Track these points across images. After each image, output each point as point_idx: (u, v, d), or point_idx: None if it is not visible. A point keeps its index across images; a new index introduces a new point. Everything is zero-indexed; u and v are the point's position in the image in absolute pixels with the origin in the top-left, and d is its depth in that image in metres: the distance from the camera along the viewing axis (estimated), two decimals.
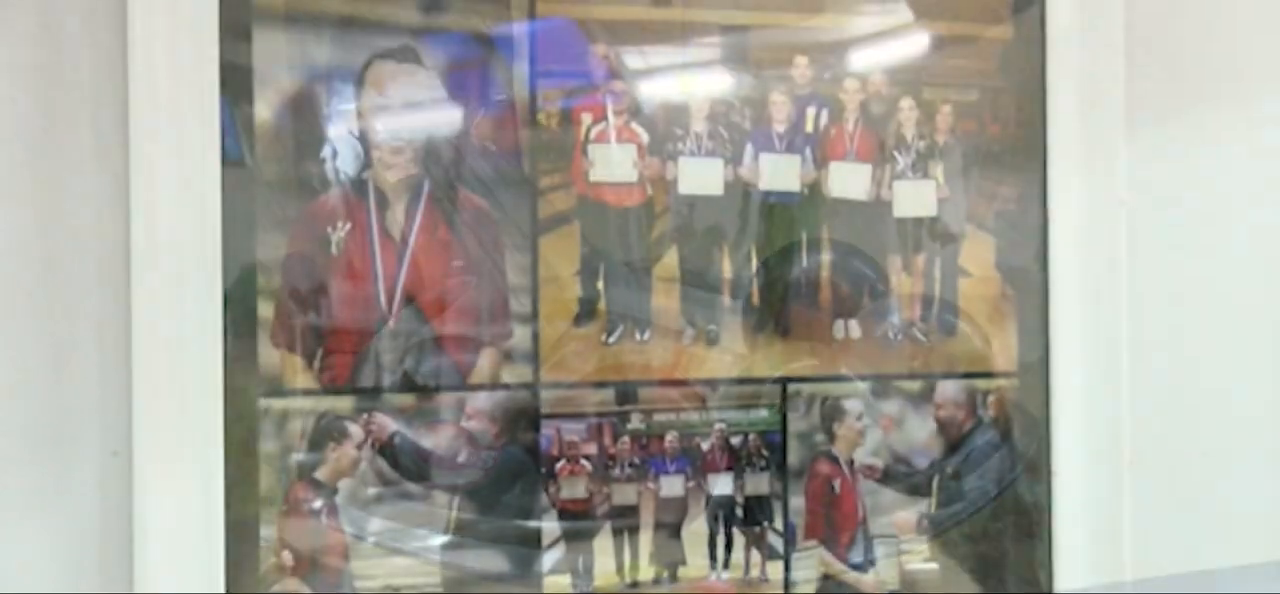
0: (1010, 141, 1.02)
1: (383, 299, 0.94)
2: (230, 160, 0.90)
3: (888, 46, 1.01)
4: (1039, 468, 1.01)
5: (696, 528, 0.99)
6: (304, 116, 0.92)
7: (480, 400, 0.95)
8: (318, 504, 0.94)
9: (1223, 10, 1.05)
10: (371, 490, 0.93)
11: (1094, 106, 1.02)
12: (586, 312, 0.97)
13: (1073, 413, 1.02)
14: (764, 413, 0.98)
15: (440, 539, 0.94)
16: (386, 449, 0.94)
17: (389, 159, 0.93)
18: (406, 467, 0.95)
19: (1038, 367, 1.01)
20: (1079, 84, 1.02)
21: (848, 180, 1.00)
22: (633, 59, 0.97)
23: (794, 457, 0.99)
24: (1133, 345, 1.02)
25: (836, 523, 1.00)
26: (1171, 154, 1.04)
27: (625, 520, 0.98)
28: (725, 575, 0.97)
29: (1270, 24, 1.05)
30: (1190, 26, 1.04)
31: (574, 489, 0.97)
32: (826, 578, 0.98)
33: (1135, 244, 1.03)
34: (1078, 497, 1.02)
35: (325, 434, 0.93)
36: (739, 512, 0.99)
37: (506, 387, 0.95)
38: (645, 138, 0.97)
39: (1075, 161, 1.02)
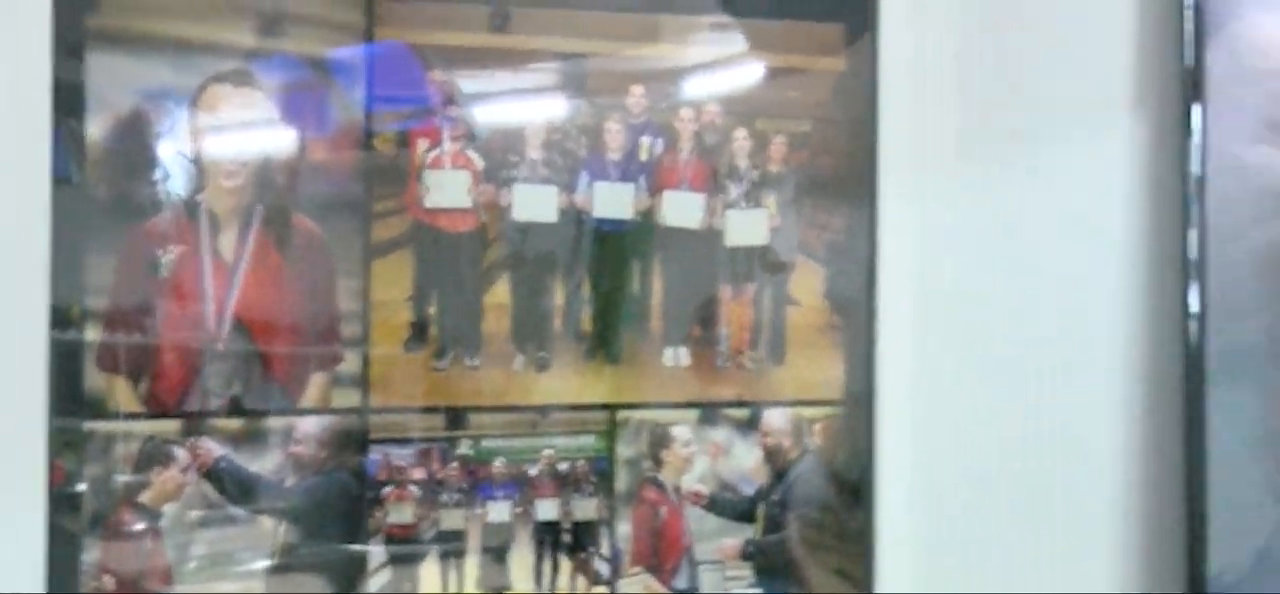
0: (842, 172, 1.69)
1: (212, 322, 1.55)
2: (61, 180, 1.50)
3: (722, 77, 1.66)
4: (863, 496, 1.70)
5: (523, 553, 1.63)
6: (137, 138, 1.52)
7: (309, 425, 1.57)
8: (141, 528, 1.54)
9: (1052, 46, 1.73)
10: (196, 514, 1.54)
11: (924, 139, 1.70)
12: (418, 336, 1.60)
13: (897, 441, 1.70)
14: (592, 439, 1.63)
15: (265, 563, 1.56)
16: (212, 473, 1.56)
17: (222, 182, 1.54)
18: (232, 491, 1.56)
19: (864, 395, 1.69)
20: (910, 116, 1.69)
21: (681, 209, 1.66)
22: (469, 85, 1.60)
23: (621, 483, 1.64)
24: (958, 375, 1.71)
25: (662, 549, 1.66)
26: (1001, 186, 1.73)
27: (452, 545, 1.61)
28: None
29: (1098, 60, 1.75)
30: (1020, 61, 1.73)
31: (401, 514, 1.60)
32: None
33: (964, 276, 1.72)
34: (901, 525, 1.70)
35: (150, 458, 1.53)
36: (566, 537, 1.64)
37: (335, 411, 1.57)
38: (480, 164, 1.61)
39: (905, 193, 1.69)
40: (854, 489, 1.60)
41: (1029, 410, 1.65)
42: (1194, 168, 1.65)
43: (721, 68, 1.57)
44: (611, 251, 1.55)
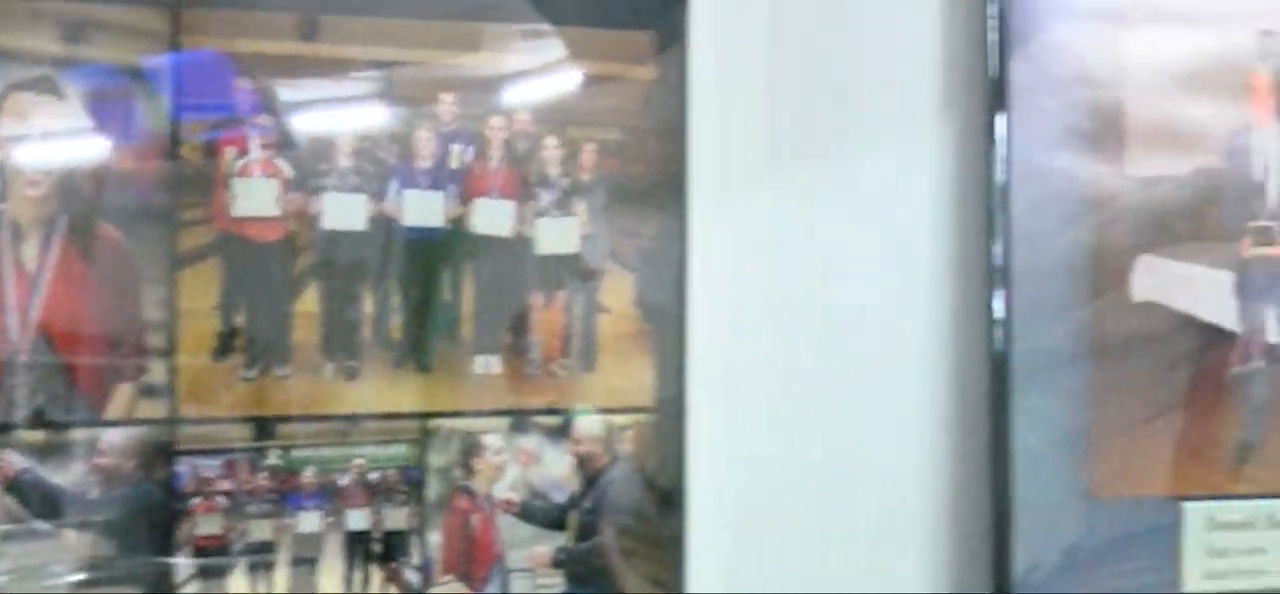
0: (652, 180, 1.82)
1: (14, 333, 1.64)
2: None
3: (534, 85, 1.79)
4: (675, 502, 1.83)
5: (333, 563, 1.75)
6: None
7: (114, 436, 1.67)
8: None
9: (860, 56, 1.88)
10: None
11: (734, 147, 1.83)
12: (225, 346, 1.70)
13: (708, 447, 1.84)
14: (403, 448, 1.75)
15: (72, 577, 1.65)
16: (14, 486, 1.65)
17: (25, 191, 1.63)
18: (36, 504, 1.65)
19: (674, 402, 1.83)
20: (720, 124, 1.82)
21: (491, 217, 1.78)
22: (279, 93, 1.71)
23: (432, 491, 1.76)
24: (768, 381, 1.86)
25: (474, 557, 1.78)
26: (810, 194, 1.88)
27: (261, 556, 1.72)
28: None
29: (904, 70, 1.90)
30: (829, 71, 1.87)
31: (209, 525, 1.70)
32: None
33: (774, 283, 1.86)
34: (712, 530, 1.84)
35: None
36: (376, 546, 1.76)
37: (141, 422, 1.68)
38: (289, 172, 1.72)
39: (715, 201, 1.83)
40: (666, 495, 1.73)
41: (838, 415, 1.80)
42: (999, 176, 1.80)
43: (533, 76, 1.69)
44: (422, 260, 1.66)
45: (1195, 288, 1.89)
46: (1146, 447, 1.88)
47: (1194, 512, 1.88)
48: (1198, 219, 1.88)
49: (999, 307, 1.80)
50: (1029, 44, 1.80)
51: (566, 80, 1.70)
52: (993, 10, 1.80)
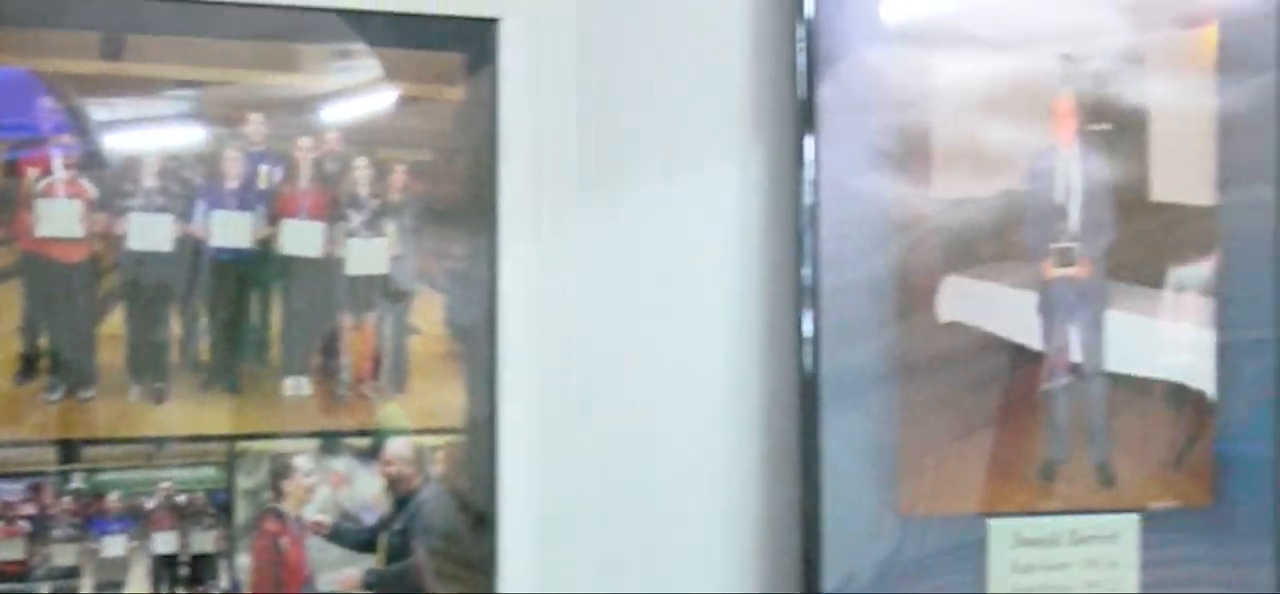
0: (463, 201, 1.94)
1: None
2: None
3: (344, 105, 1.90)
4: (486, 523, 1.96)
5: (139, 588, 1.84)
6: None
7: None
8: None
9: (670, 79, 2.02)
10: None
11: (545, 168, 1.96)
12: (28, 369, 1.80)
13: (520, 468, 1.97)
14: (211, 471, 1.85)
15: None
16: None
17: None
18: None
19: (486, 423, 1.96)
20: (530, 146, 1.95)
21: (300, 238, 1.89)
22: (84, 112, 1.81)
23: (241, 514, 1.87)
24: (580, 401, 1.99)
25: (283, 580, 1.89)
26: (622, 215, 2.01)
27: (65, 582, 1.81)
28: None
29: (714, 93, 2.05)
30: (640, 94, 2.01)
31: (11, 551, 1.79)
32: None
33: (584, 304, 2.00)
34: (525, 551, 1.96)
35: None
36: (183, 570, 1.86)
37: None
38: (94, 192, 1.82)
39: (526, 221, 1.95)
40: (477, 516, 1.85)
41: (650, 434, 1.93)
42: (808, 197, 1.95)
43: (344, 96, 1.81)
44: (230, 281, 1.77)
45: (1000, 308, 2.05)
46: (955, 464, 2.03)
47: (999, 528, 2.03)
48: (1002, 240, 2.04)
49: (808, 327, 1.93)
50: (837, 67, 1.95)
51: (377, 101, 1.81)
52: (801, 33, 1.93)
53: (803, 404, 1.93)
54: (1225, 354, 2.12)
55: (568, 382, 1.87)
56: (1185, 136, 2.09)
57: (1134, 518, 2.07)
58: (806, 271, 1.93)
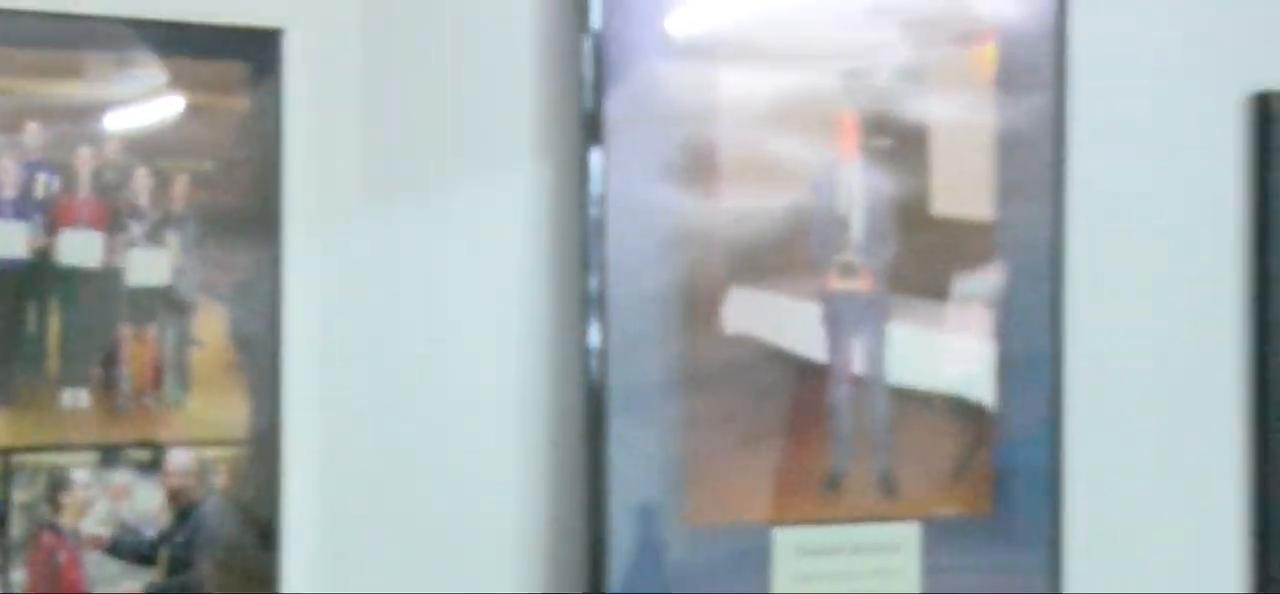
0: (246, 212, 1.95)
1: None
2: None
3: (126, 114, 1.90)
4: (270, 536, 1.97)
5: None
6: None
7: None
8: None
9: (457, 91, 2.04)
10: None
11: (330, 180, 1.98)
12: None
13: (304, 480, 1.97)
14: None
15: None
16: None
17: None
18: None
19: (269, 435, 1.96)
20: (315, 158, 1.96)
21: (79, 248, 1.88)
22: None
23: (17, 529, 1.85)
24: (367, 414, 2.00)
25: None
26: (408, 227, 2.03)
27: None
28: None
29: (500, 105, 2.07)
30: (425, 106, 2.03)
31: None
32: None
33: (370, 315, 2.01)
34: (310, 563, 1.97)
35: None
36: None
37: None
38: None
39: (310, 233, 1.96)
40: (261, 528, 1.86)
41: (436, 446, 1.95)
42: (594, 210, 1.98)
43: (125, 105, 1.81)
44: (6, 291, 1.76)
45: (785, 320, 2.10)
46: (741, 475, 2.07)
47: (784, 538, 2.08)
48: (787, 252, 2.09)
49: (594, 338, 1.96)
50: (623, 80, 1.98)
51: (159, 110, 1.81)
52: (587, 46, 1.96)
53: (589, 415, 1.96)
54: (1005, 366, 2.19)
55: (352, 393, 1.89)
56: (965, 152, 2.15)
57: (916, 527, 2.12)
58: (593, 283, 1.95)
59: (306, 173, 1.86)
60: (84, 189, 1.78)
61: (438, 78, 1.94)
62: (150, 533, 1.82)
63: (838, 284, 2.09)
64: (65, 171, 1.78)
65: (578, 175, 1.97)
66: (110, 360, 1.80)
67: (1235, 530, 2.39)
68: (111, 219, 1.79)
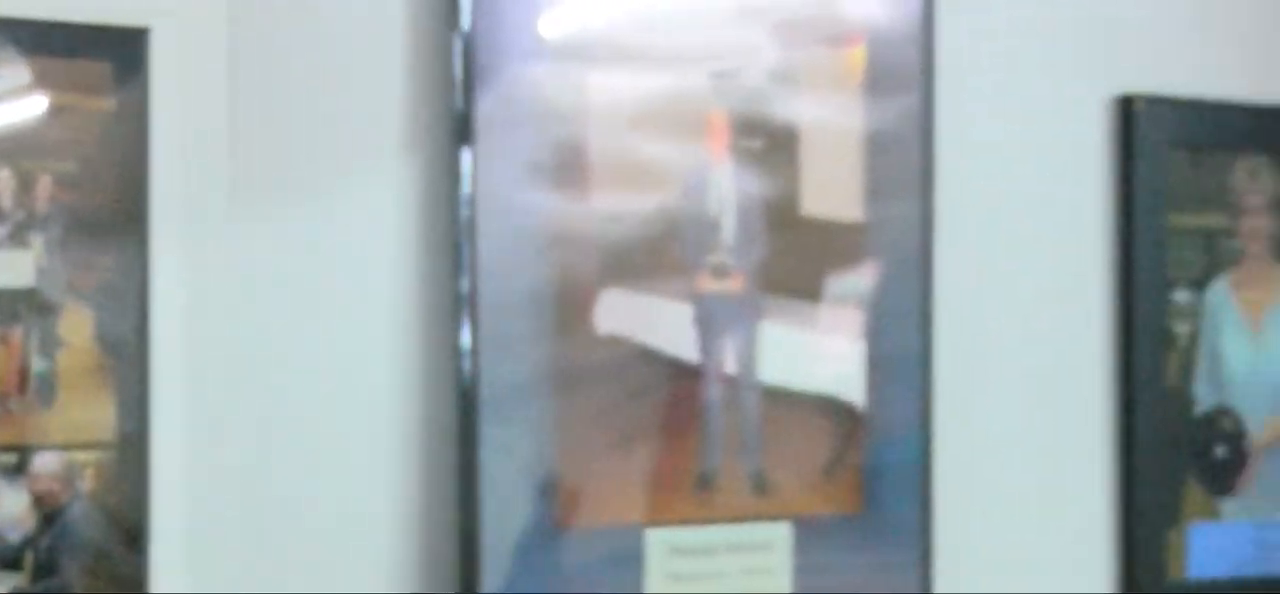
0: (112, 214, 1.93)
1: None
2: None
3: None
4: (138, 539, 1.94)
5: None
6: None
7: None
8: None
9: (325, 92, 2.03)
10: None
11: (198, 181, 1.96)
12: None
13: (172, 483, 1.95)
14: None
15: None
16: None
17: None
18: None
19: (137, 438, 1.94)
20: (182, 159, 1.95)
21: None
22: None
23: None
24: (234, 416, 1.98)
25: None
26: (278, 228, 2.01)
27: None
28: None
29: (369, 106, 2.06)
30: (294, 107, 2.01)
31: None
32: None
33: (239, 317, 1.99)
34: (177, 566, 1.95)
35: None
36: None
37: None
38: None
39: (177, 234, 1.94)
40: (129, 531, 1.84)
41: (307, 447, 1.94)
42: (465, 211, 1.98)
43: None
44: None
45: (657, 321, 2.10)
46: (614, 476, 2.08)
47: (656, 538, 2.08)
48: (659, 254, 2.09)
49: (466, 339, 1.96)
50: (494, 81, 1.99)
51: (22, 110, 1.79)
52: (458, 46, 1.96)
53: (461, 416, 1.96)
54: (874, 366, 2.20)
55: (221, 395, 1.88)
56: (834, 153, 2.17)
57: (787, 526, 2.14)
58: (464, 284, 1.94)
59: (173, 173, 1.85)
60: None
61: (307, 77, 1.93)
62: (15, 537, 1.80)
63: (709, 285, 2.10)
64: None
65: (449, 176, 1.97)
66: None
67: (1101, 527, 2.42)
68: None
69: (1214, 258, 2.47)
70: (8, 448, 1.79)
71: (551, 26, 2.01)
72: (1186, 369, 2.44)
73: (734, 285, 2.10)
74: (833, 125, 2.16)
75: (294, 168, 1.93)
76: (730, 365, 2.11)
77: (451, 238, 1.96)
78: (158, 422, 1.84)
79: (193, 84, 1.86)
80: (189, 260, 1.85)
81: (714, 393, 2.11)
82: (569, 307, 2.02)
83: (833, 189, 2.17)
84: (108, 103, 1.83)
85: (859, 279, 2.18)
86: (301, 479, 1.93)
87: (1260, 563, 2.48)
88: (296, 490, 1.93)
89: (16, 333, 1.80)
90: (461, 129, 1.96)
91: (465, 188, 1.96)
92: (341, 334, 1.95)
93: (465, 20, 1.96)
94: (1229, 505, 2.48)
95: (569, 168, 2.02)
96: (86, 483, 1.82)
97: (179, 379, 1.85)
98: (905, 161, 2.19)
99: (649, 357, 2.07)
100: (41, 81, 1.79)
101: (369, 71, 1.95)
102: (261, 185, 1.91)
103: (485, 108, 1.97)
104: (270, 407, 1.91)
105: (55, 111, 1.80)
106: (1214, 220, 2.47)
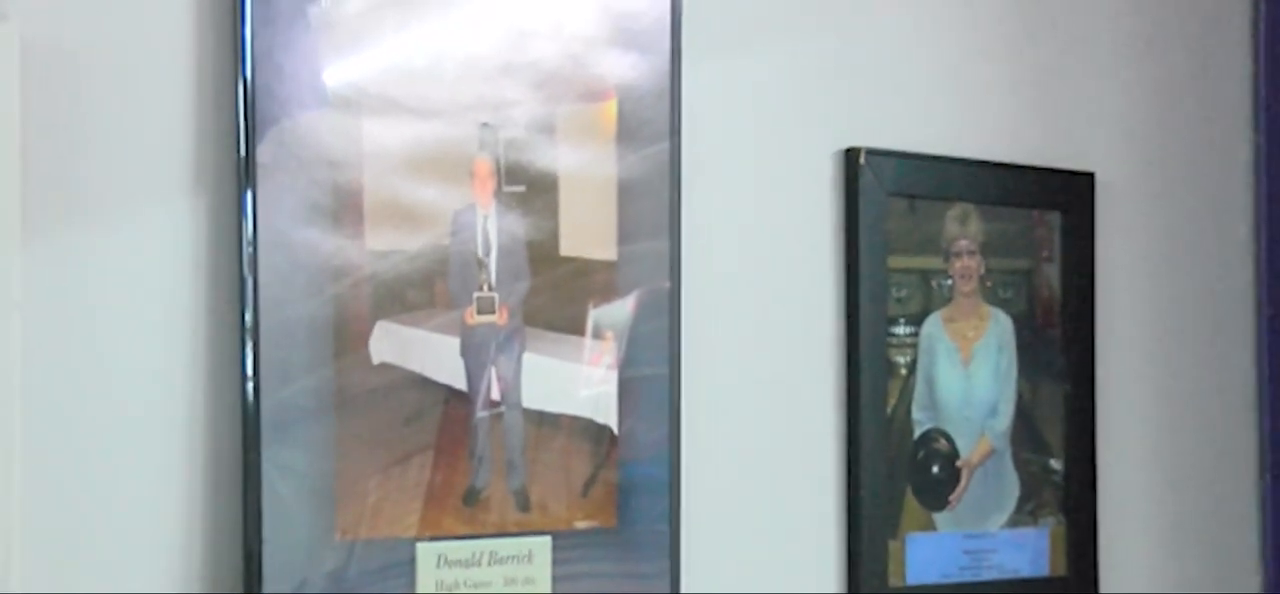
0: None
1: None
2: None
3: None
4: None
5: None
6: None
7: None
8: None
9: (115, 134, 2.01)
10: None
11: None
12: None
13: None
14: None
15: None
16: None
17: None
18: None
19: None
20: None
21: None
22: None
23: None
24: (33, 445, 1.94)
25: None
26: (69, 260, 1.99)
27: None
28: None
29: (157, 148, 2.04)
30: (86, 144, 1.99)
31: None
32: None
33: (29, 345, 1.96)
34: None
35: None
36: None
37: None
38: None
39: None
40: None
41: (96, 469, 1.94)
42: (248, 248, 1.97)
43: None
44: None
45: (427, 351, 2.12)
46: (388, 492, 2.09)
47: (426, 550, 2.10)
48: (429, 289, 2.12)
49: (249, 364, 1.96)
50: (275, 127, 1.99)
51: None
52: (240, 94, 1.96)
53: (244, 436, 1.95)
54: (627, 391, 2.24)
55: (14, 427, 1.84)
56: (590, 197, 2.22)
57: (547, 539, 2.17)
58: (248, 315, 1.94)
59: None
60: None
61: (100, 118, 1.94)
62: None
63: (476, 318, 2.12)
64: None
65: (233, 215, 1.97)
66: None
67: (830, 537, 2.50)
68: None
69: (929, 296, 2.56)
70: None
71: (329, 77, 2.02)
72: (905, 395, 2.52)
73: (499, 319, 2.13)
74: (589, 172, 2.20)
75: (86, 201, 1.92)
76: (496, 392, 2.14)
77: (236, 272, 1.97)
78: None
79: None
80: None
81: (481, 417, 2.13)
82: (345, 336, 2.04)
83: (589, 230, 2.21)
84: None
85: (613, 312, 2.21)
86: (88, 498, 1.93)
87: (971, 570, 2.58)
88: (87, 504, 1.93)
89: None
90: (244, 172, 1.95)
91: (248, 227, 1.95)
92: (132, 359, 1.95)
93: (247, 70, 1.95)
94: (943, 518, 2.56)
95: (345, 209, 2.04)
96: None
97: None
98: (655, 206, 2.24)
99: (421, 383, 2.10)
100: None
101: (159, 115, 1.97)
102: (54, 218, 1.92)
103: (266, 152, 1.98)
104: (58, 433, 1.91)
105: None
106: (929, 262, 2.56)
